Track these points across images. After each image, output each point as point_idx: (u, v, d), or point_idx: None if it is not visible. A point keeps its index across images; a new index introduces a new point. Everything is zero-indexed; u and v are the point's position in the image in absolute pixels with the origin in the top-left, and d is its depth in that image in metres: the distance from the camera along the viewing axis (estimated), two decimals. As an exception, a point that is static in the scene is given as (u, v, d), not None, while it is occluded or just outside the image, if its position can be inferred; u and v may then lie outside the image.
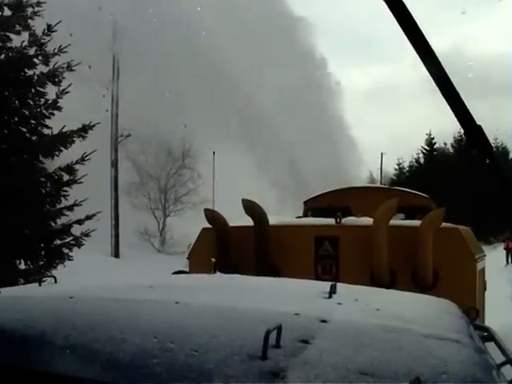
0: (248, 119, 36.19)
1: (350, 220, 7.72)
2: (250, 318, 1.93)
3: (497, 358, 2.10)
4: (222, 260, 7.27)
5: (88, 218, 13.93)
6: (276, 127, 36.99)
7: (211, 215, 7.78)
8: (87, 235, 13.67)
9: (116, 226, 32.80)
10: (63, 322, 1.89)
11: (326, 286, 2.54)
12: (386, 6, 1.62)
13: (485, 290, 8.07)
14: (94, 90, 30.96)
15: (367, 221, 7.39)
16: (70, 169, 13.39)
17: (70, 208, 13.53)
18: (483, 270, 7.89)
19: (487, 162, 1.80)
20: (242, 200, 7.60)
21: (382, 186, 16.08)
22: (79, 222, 13.64)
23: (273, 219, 7.81)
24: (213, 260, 6.98)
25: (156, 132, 35.26)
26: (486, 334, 2.80)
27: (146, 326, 1.85)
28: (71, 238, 13.45)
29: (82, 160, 13.58)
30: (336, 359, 1.57)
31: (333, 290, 2.47)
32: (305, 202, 10.88)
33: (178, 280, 3.45)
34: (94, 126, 13.90)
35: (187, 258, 8.14)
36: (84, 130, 13.63)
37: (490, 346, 2.44)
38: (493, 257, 9.26)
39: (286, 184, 37.31)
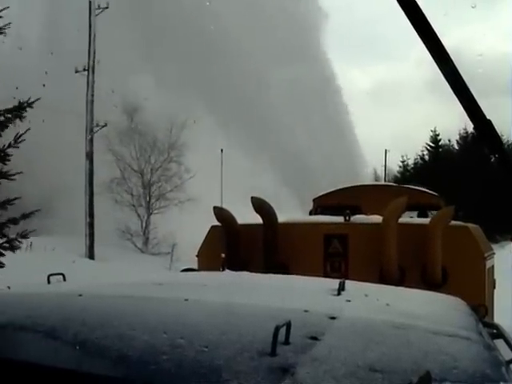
0: (252, 116, 36.07)
1: (359, 218, 7.72)
2: (259, 315, 1.93)
3: (506, 355, 2.10)
4: (231, 257, 7.28)
5: (25, 216, 12.37)
6: (280, 125, 36.93)
7: (220, 213, 7.78)
8: (24, 236, 12.07)
9: (91, 225, 30.04)
10: (72, 318, 1.90)
11: (334, 283, 2.54)
12: (394, 2, 1.62)
13: (494, 287, 8.05)
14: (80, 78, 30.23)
15: (376, 219, 7.38)
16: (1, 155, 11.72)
17: (2, 206, 12.13)
18: (492, 267, 7.87)
19: (496, 156, 1.80)
20: (252, 198, 7.61)
21: (391, 183, 16.10)
22: (14, 221, 12.17)
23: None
24: (223, 255, 6.99)
25: (140, 123, 34.10)
26: (494, 331, 2.79)
27: (155, 322, 1.86)
28: (5, 239, 11.94)
29: (16, 143, 11.80)
30: (345, 356, 1.57)
31: (342, 287, 2.47)
32: (314, 200, 10.88)
33: (187, 277, 3.46)
34: (32, 103, 12.14)
35: (196, 256, 8.14)
36: (20, 109, 11.94)
37: (499, 344, 2.44)
38: (501, 257, 9.10)
39: (290, 181, 37.27)
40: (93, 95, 30.12)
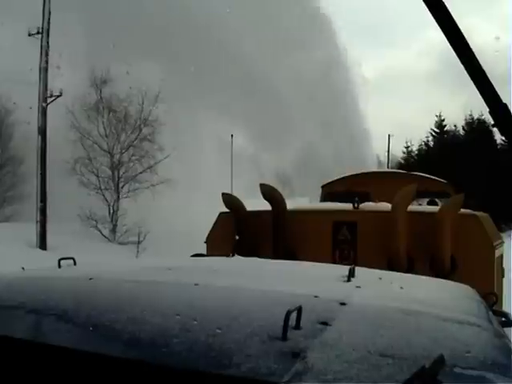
0: (255, 101, 35.76)
1: (368, 205, 7.70)
2: (269, 300, 1.94)
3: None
4: (240, 244, 7.29)
5: None
6: (286, 110, 36.78)
7: (229, 199, 7.78)
8: None
9: (43, 210, 26.08)
10: (83, 302, 1.92)
11: (344, 269, 2.55)
12: None
13: (503, 276, 8.03)
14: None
15: (385, 206, 7.36)
16: None
17: None
18: (501, 256, 7.85)
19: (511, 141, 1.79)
20: (261, 185, 7.60)
21: (401, 171, 16.13)
22: None
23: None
24: (237, 237, 6.99)
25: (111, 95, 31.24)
26: (504, 319, 2.80)
27: (166, 306, 1.87)
28: None
29: None
30: (356, 341, 1.58)
31: (351, 274, 2.48)
32: (322, 187, 10.87)
33: (197, 262, 3.47)
34: None
35: (205, 242, 8.15)
36: None
37: (509, 332, 2.44)
38: (508, 246, 8.86)
39: (298, 168, 37.18)
40: (47, 62, 26.66)
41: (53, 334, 1.70)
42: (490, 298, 4.09)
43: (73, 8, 28.41)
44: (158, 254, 18.59)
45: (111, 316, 1.74)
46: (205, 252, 7.75)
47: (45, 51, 26.70)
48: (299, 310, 1.59)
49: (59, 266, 2.72)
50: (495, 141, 49.35)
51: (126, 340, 1.58)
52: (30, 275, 2.54)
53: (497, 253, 7.22)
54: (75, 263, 2.81)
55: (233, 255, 6.02)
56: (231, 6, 30.92)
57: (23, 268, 2.63)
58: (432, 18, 1.60)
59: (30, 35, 26.98)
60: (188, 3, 31.89)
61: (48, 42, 26.83)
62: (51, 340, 1.62)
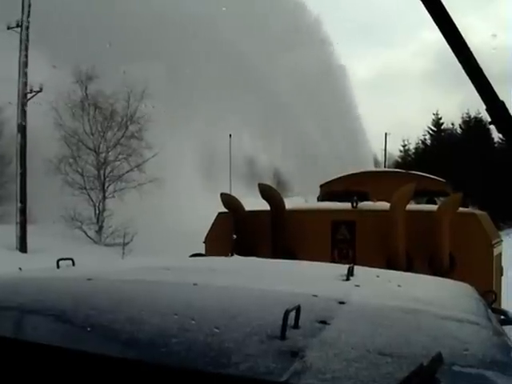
0: (253, 98, 35.58)
1: (367, 204, 7.70)
2: (268, 299, 1.94)
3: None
4: (239, 244, 7.28)
5: None
6: (285, 111, 36.67)
7: (227, 199, 7.78)
8: None
9: (22, 211, 25.10)
10: (82, 302, 1.91)
11: (343, 268, 2.55)
12: None
13: (501, 275, 8.03)
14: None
15: (384, 205, 7.36)
16: None
17: None
18: (500, 255, 7.86)
19: (508, 138, 1.79)
20: (259, 184, 7.60)
21: (399, 170, 16.17)
22: None
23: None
24: (234, 236, 6.99)
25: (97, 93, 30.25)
26: (503, 317, 2.80)
27: (164, 306, 1.87)
28: None
29: None
30: (354, 340, 1.58)
31: (350, 273, 2.48)
32: (321, 186, 10.86)
33: (196, 262, 3.47)
34: None
35: (204, 243, 8.15)
36: None
37: (508, 330, 2.44)
38: (506, 246, 8.82)
39: (296, 167, 37.11)
40: (26, 56, 25.85)
41: (51, 335, 1.69)
42: (489, 295, 4.10)
43: (61, 4, 27.96)
44: (145, 256, 18.57)
45: (110, 316, 1.74)
46: (200, 251, 7.75)
47: (24, 45, 26.01)
48: (298, 309, 1.59)
49: (58, 266, 2.72)
50: (492, 139, 49.45)
51: (125, 340, 1.58)
52: (27, 276, 2.54)
53: (495, 251, 7.22)
54: (74, 264, 2.81)
55: (232, 255, 6.03)
56: (226, 5, 30.71)
57: (20, 268, 2.63)
58: (429, 17, 1.60)
59: (8, 29, 26.17)
60: (183, 2, 31.72)
61: (28, 36, 26.10)
62: (50, 340, 1.62)
